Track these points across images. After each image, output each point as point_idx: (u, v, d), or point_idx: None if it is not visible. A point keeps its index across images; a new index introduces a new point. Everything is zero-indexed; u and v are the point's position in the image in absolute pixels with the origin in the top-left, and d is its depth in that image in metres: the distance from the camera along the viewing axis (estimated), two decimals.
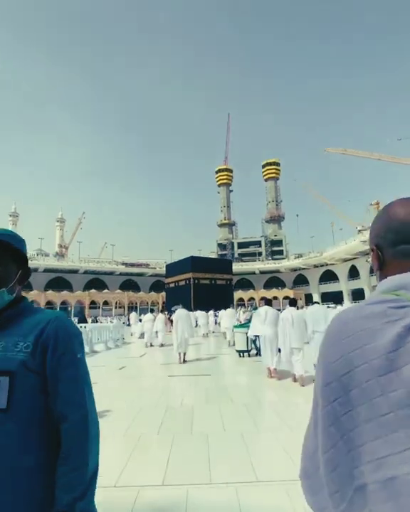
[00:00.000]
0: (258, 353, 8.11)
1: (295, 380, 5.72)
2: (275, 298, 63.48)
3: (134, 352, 11.05)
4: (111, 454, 2.85)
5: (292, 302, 6.96)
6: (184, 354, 8.47)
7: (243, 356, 8.78)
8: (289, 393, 5.04)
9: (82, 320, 18.98)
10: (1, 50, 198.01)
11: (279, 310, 7.50)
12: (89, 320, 38.04)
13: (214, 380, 6.11)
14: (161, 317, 12.37)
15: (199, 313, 17.55)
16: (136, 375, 6.89)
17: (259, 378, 6.23)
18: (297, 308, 6.84)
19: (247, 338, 8.54)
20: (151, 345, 12.08)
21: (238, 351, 8.91)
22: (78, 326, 14.72)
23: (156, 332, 12.11)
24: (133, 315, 19.79)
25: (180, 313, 8.82)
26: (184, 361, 8.30)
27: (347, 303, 57.80)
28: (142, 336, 14.47)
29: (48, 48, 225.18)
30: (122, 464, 2.72)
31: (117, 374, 6.95)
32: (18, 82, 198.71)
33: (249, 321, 8.57)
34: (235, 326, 9.39)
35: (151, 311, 17.46)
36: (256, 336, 7.95)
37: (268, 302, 7.28)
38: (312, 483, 0.53)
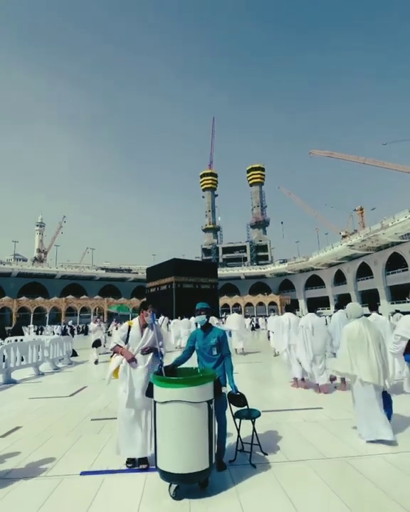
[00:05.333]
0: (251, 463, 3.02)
1: (318, 390, 5.63)
2: (261, 303, 61.94)
3: (71, 382, 7.46)
4: None
5: (289, 307, 7.06)
6: None
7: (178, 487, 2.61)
8: None
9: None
10: None
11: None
12: (55, 328, 33.27)
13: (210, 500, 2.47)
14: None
15: (183, 322, 14.29)
16: (20, 459, 3.25)
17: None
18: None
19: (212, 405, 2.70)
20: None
21: (166, 476, 2.54)
22: None
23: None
24: (92, 324, 15.20)
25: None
26: None
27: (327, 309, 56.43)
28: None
29: (27, 52, 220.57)
30: None
31: None
32: None
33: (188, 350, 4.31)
34: (156, 380, 2.69)
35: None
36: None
37: (289, 308, 6.89)
38: None
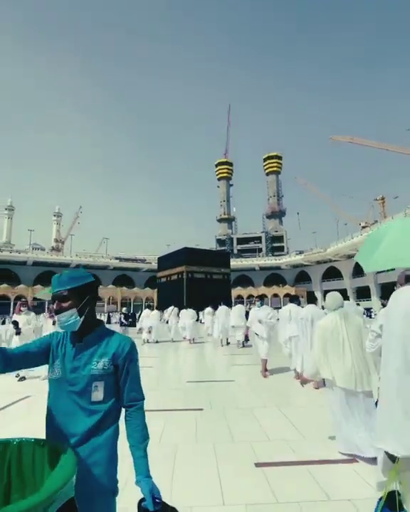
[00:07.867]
0: None
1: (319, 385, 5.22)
2: (276, 295, 60.63)
3: (15, 389, 5.66)
4: None
5: (293, 298, 6.82)
6: (227, 339, 11.11)
7: None
8: None
9: None
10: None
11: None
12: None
13: None
14: (155, 313, 12.73)
15: (187, 313, 13.05)
16: None
17: None
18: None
19: None
20: (148, 342, 12.29)
21: None
22: None
23: (150, 327, 12.37)
24: (20, 316, 7.20)
25: (221, 309, 11.45)
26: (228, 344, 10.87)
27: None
28: None
29: (50, 44, 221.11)
30: None
31: None
32: (21, 77, 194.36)
33: None
34: None
35: (149, 306, 15.30)
36: None
37: (293, 299, 6.57)
38: None
